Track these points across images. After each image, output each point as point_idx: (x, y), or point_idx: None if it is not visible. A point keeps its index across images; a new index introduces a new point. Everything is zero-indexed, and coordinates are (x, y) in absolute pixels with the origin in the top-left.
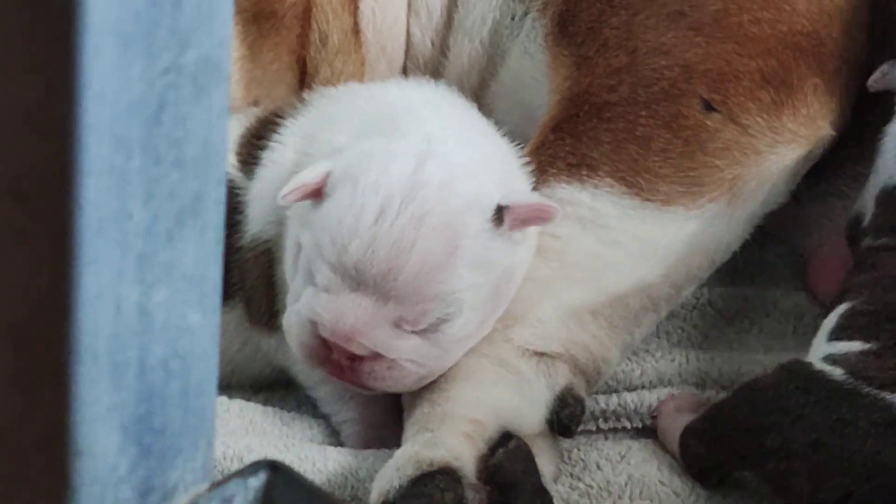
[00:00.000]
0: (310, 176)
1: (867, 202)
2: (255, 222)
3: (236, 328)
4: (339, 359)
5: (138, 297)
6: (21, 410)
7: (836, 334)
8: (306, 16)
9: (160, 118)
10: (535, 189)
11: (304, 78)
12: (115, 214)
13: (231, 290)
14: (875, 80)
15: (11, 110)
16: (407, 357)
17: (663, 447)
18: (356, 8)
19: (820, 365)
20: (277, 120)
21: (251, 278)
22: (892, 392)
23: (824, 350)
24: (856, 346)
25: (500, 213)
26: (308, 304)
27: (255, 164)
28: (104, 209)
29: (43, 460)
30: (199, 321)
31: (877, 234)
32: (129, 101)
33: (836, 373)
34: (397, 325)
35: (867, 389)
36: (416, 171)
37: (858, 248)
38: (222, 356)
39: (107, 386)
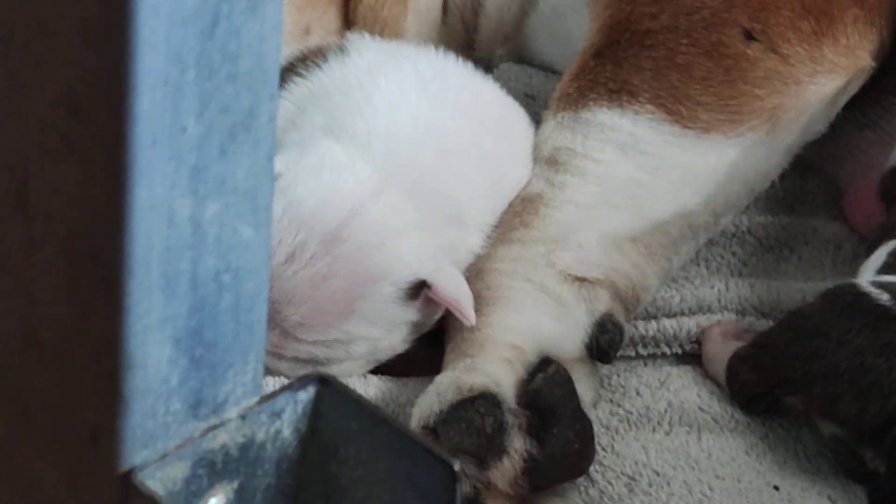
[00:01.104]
0: None
1: None
2: None
3: None
4: None
5: (191, 210)
6: (74, 322)
7: (885, 270)
8: None
9: (214, 32)
10: (574, 113)
11: (347, 5)
12: (168, 127)
13: None
14: None
15: (66, 23)
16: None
17: (703, 373)
18: None
19: (867, 287)
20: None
21: None
22: None
23: (871, 279)
24: None
25: (418, 287)
26: None
27: None
28: (158, 122)
29: (95, 372)
30: (250, 235)
31: None
32: (184, 14)
33: (883, 297)
34: (277, 346)
35: None
36: (343, 225)
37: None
38: None
39: (159, 298)
